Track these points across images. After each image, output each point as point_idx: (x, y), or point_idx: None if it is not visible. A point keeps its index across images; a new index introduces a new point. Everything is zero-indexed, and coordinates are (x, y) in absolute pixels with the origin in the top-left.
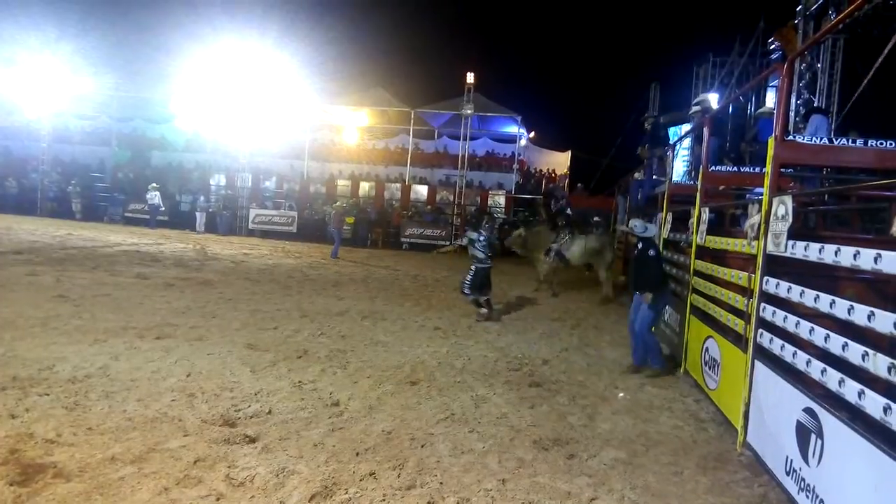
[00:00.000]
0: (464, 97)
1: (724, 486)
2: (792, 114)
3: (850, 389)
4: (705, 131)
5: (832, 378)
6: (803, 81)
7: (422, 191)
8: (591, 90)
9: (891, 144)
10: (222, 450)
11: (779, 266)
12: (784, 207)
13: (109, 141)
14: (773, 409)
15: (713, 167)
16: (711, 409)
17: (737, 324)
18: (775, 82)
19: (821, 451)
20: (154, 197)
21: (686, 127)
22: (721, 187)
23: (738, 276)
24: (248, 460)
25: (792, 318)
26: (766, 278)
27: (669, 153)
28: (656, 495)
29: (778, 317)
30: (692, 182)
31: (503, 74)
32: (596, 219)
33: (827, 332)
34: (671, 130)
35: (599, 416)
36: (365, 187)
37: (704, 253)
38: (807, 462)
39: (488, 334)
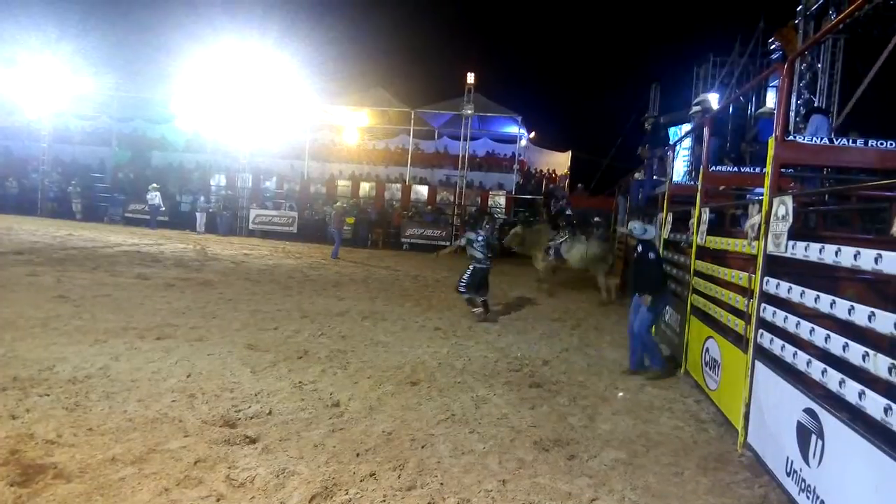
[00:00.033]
0: (464, 97)
1: (724, 487)
2: (792, 114)
3: (851, 390)
4: (706, 131)
5: (833, 378)
6: (804, 81)
7: (422, 191)
8: (591, 90)
9: (891, 144)
10: (223, 450)
11: (779, 266)
12: (784, 208)
13: (110, 141)
14: (774, 409)
15: (713, 167)
16: (712, 410)
17: (737, 324)
18: (775, 82)
19: (821, 451)
20: (154, 197)
21: (686, 127)
22: (721, 187)
23: (739, 276)
24: (248, 461)
25: (792, 319)
26: (766, 279)
27: (670, 153)
28: (657, 496)
29: (778, 317)
30: (692, 182)
31: (503, 74)
32: (596, 219)
33: (827, 332)
34: (671, 130)
35: (600, 416)
36: (365, 187)
37: (705, 253)
38: (807, 463)
39: (488, 335)
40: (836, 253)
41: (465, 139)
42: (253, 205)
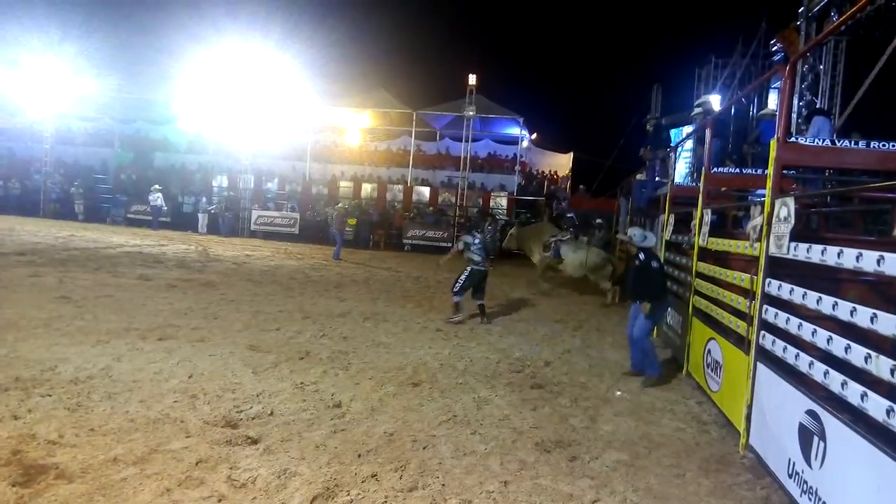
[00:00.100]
0: (466, 99)
1: (726, 489)
2: (794, 115)
3: (853, 392)
4: (707, 133)
5: (835, 380)
6: (805, 83)
7: (424, 192)
8: (592, 91)
9: (893, 146)
10: (224, 451)
11: (781, 268)
12: (786, 209)
13: (112, 142)
14: (776, 411)
15: (715, 169)
16: (714, 412)
17: (739, 326)
18: (777, 84)
19: (823, 453)
20: (156, 198)
21: (688, 129)
22: (723, 189)
23: (741, 277)
24: (249, 462)
25: (794, 320)
26: (768, 280)
27: (671, 155)
28: (658, 497)
29: (780, 319)
30: (694, 184)
31: (505, 76)
32: (598, 221)
33: (829, 334)
34: (673, 132)
35: (601, 418)
36: (367, 189)
37: (706, 255)
38: (809, 464)
39: (490, 336)
40: (838, 255)
41: (466, 140)
42: (255, 206)
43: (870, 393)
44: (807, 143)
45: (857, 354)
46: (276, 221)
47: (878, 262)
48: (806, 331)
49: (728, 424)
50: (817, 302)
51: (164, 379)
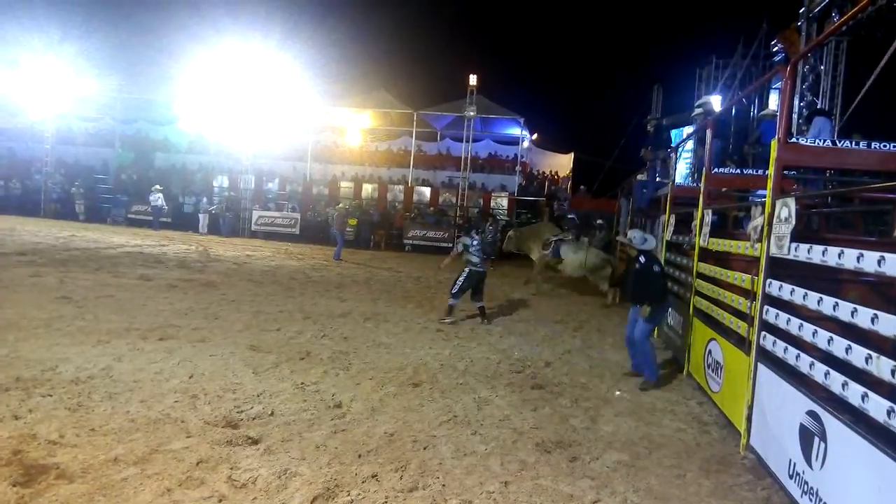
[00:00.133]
0: (466, 99)
1: (727, 490)
2: (795, 116)
3: (854, 392)
4: (708, 133)
5: (835, 381)
6: (806, 83)
7: (424, 192)
8: (593, 92)
9: (894, 146)
10: (225, 451)
11: (782, 268)
12: (787, 210)
13: (113, 142)
14: (777, 411)
15: (716, 169)
16: (714, 412)
17: (740, 326)
18: (778, 84)
19: (824, 454)
20: (157, 199)
21: (689, 129)
22: (724, 189)
23: (741, 278)
24: (250, 462)
25: (795, 321)
26: (769, 281)
27: (672, 155)
28: (659, 498)
29: (781, 319)
30: (695, 184)
31: (506, 76)
32: (599, 221)
33: (830, 334)
34: (674, 132)
35: (602, 418)
36: (368, 189)
37: (707, 255)
38: (810, 465)
39: (490, 336)
40: (839, 255)
41: (467, 141)
42: (255, 206)
43: (870, 394)
44: (808, 143)
45: (858, 355)
46: (277, 222)
47: (879, 262)
48: (807, 331)
49: (729, 425)
50: (818, 303)
51: (165, 379)
